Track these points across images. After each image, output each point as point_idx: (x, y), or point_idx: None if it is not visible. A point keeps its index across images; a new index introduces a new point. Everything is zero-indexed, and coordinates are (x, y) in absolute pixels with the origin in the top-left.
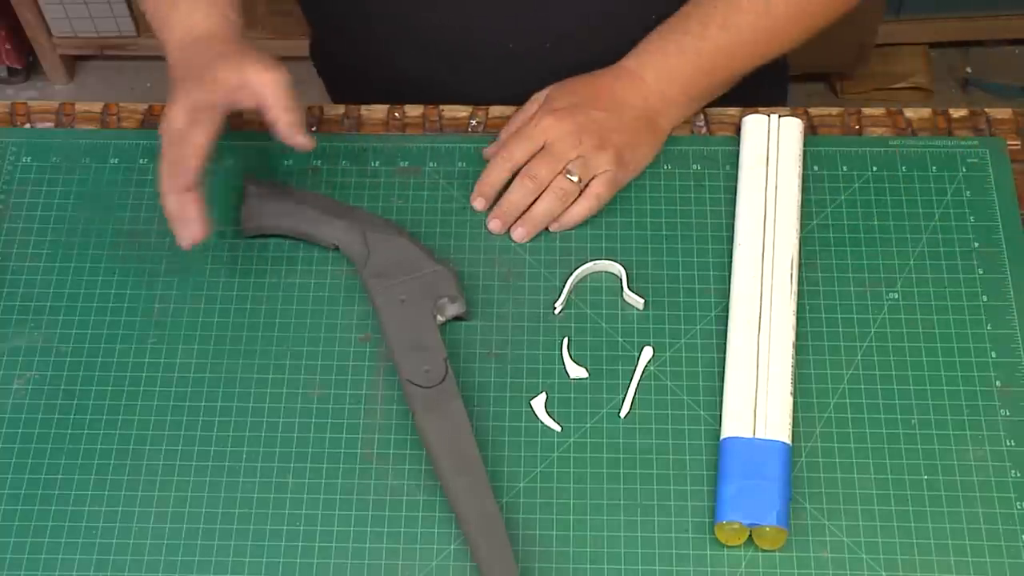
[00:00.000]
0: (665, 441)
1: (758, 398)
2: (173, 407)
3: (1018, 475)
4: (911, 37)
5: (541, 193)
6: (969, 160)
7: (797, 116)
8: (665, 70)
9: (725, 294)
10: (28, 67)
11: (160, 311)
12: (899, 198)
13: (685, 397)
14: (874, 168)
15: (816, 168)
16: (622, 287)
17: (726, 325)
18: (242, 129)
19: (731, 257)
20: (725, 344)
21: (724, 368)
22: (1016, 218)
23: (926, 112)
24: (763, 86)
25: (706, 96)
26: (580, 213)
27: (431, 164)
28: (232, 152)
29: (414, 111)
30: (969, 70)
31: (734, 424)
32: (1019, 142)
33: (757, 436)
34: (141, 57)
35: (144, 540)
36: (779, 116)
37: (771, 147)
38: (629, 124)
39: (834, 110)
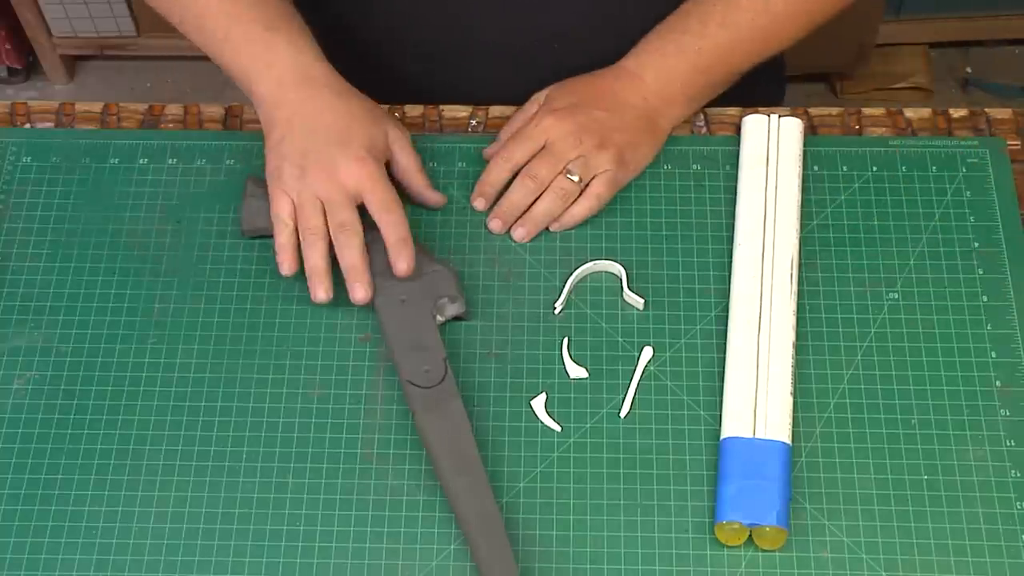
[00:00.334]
0: (665, 441)
1: (758, 398)
2: (173, 407)
3: (1018, 475)
4: (911, 37)
5: (542, 193)
6: (969, 160)
7: (797, 116)
8: (664, 69)
9: (725, 294)
10: (28, 67)
11: (160, 311)
12: (899, 198)
13: (685, 397)
14: (874, 168)
15: (816, 168)
16: (622, 287)
17: (726, 325)
18: (242, 129)
19: (731, 257)
20: (725, 344)
21: (724, 368)
22: (1016, 218)
23: (926, 112)
24: (760, 85)
25: (706, 95)
26: (580, 213)
27: (431, 164)
28: (232, 152)
29: (414, 111)
30: (969, 70)
31: (734, 424)
32: (1019, 142)
33: (757, 436)
34: (141, 57)
35: (144, 540)
36: (779, 116)
37: (771, 147)
38: (629, 124)
39: (834, 110)
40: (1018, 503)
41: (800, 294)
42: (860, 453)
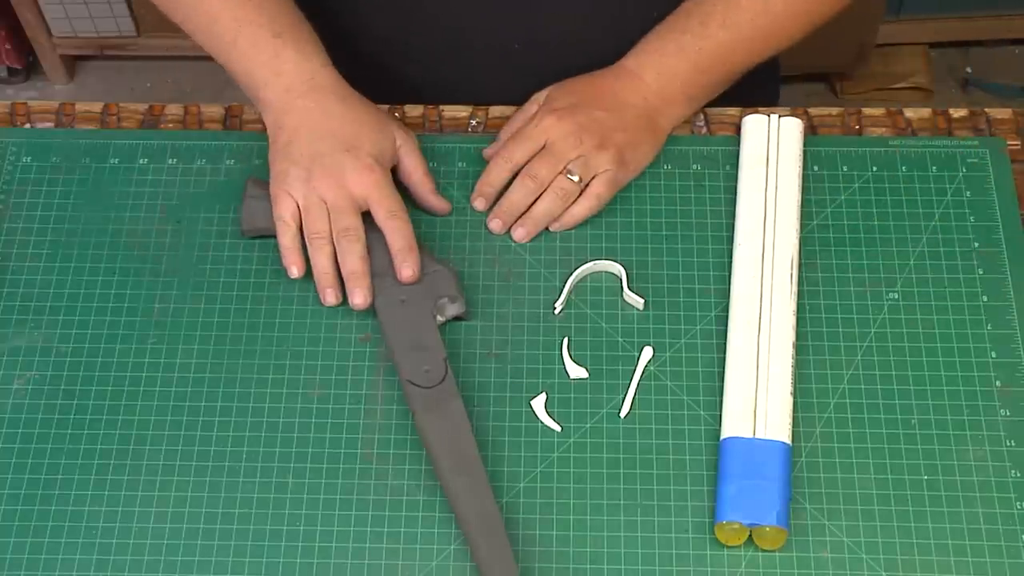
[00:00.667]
0: (665, 441)
1: (758, 398)
2: (173, 407)
3: (1018, 475)
4: (911, 37)
5: (542, 193)
6: (969, 160)
7: (797, 116)
8: (665, 69)
9: (725, 294)
10: (28, 67)
11: (160, 311)
12: (899, 198)
13: (685, 397)
14: (874, 168)
15: (816, 168)
16: (622, 287)
17: (726, 325)
18: (242, 129)
19: (731, 257)
20: (725, 344)
21: (724, 368)
22: (1016, 218)
23: (926, 112)
24: (756, 85)
25: (706, 95)
26: (581, 213)
27: (431, 164)
28: (232, 152)
29: (414, 111)
30: (969, 70)
31: (734, 424)
32: (1019, 142)
33: (757, 436)
34: (141, 57)
35: (144, 540)
36: (779, 116)
37: (771, 147)
38: (630, 123)
39: (834, 110)
40: (1018, 503)
41: (800, 294)
42: (860, 453)
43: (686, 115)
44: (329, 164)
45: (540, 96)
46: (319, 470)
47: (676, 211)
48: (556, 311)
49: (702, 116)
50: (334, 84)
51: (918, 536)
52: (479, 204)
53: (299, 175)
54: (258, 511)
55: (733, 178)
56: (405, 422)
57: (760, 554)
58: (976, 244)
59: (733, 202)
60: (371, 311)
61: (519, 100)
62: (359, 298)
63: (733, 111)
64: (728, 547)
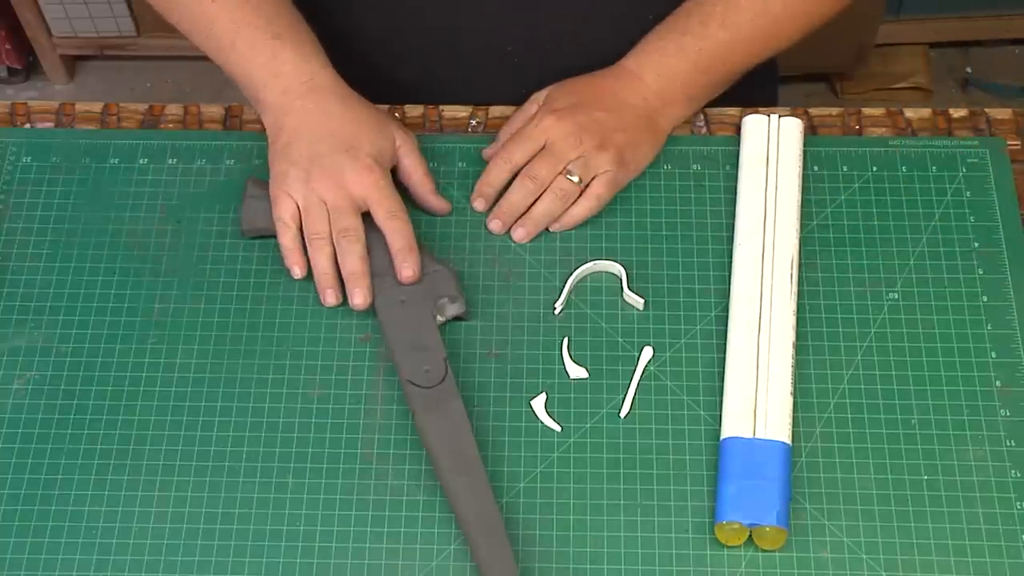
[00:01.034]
0: (665, 441)
1: (758, 398)
2: (173, 407)
3: (1018, 475)
4: (911, 37)
5: (541, 194)
6: (969, 160)
7: (797, 116)
8: (665, 70)
9: (725, 294)
10: (28, 67)
11: (160, 311)
12: (899, 198)
13: (685, 397)
14: (874, 168)
15: (816, 168)
16: (622, 287)
17: (726, 325)
18: (242, 129)
19: (731, 257)
20: (725, 344)
21: (724, 368)
22: (1016, 218)
23: (926, 112)
24: (755, 86)
25: (706, 95)
26: (580, 213)
27: (431, 164)
28: (232, 152)
29: (414, 111)
30: (969, 70)
31: (734, 424)
32: (1019, 142)
33: (757, 436)
34: (141, 57)
35: (144, 540)
36: (779, 116)
37: (771, 147)
38: (630, 124)
39: (834, 110)
40: (1018, 503)
41: (800, 294)
42: (860, 453)
43: (686, 115)
44: (328, 165)
45: (540, 96)
46: (319, 470)
47: (676, 211)
48: (556, 311)
49: (702, 116)
50: (333, 85)
51: (918, 536)
52: (479, 205)
53: (298, 176)
54: (258, 511)
55: (733, 178)
56: (405, 422)
57: (760, 554)
58: (976, 244)
59: (733, 202)
60: (371, 311)
61: (517, 101)
62: (359, 298)
63: (733, 111)
64: (728, 547)
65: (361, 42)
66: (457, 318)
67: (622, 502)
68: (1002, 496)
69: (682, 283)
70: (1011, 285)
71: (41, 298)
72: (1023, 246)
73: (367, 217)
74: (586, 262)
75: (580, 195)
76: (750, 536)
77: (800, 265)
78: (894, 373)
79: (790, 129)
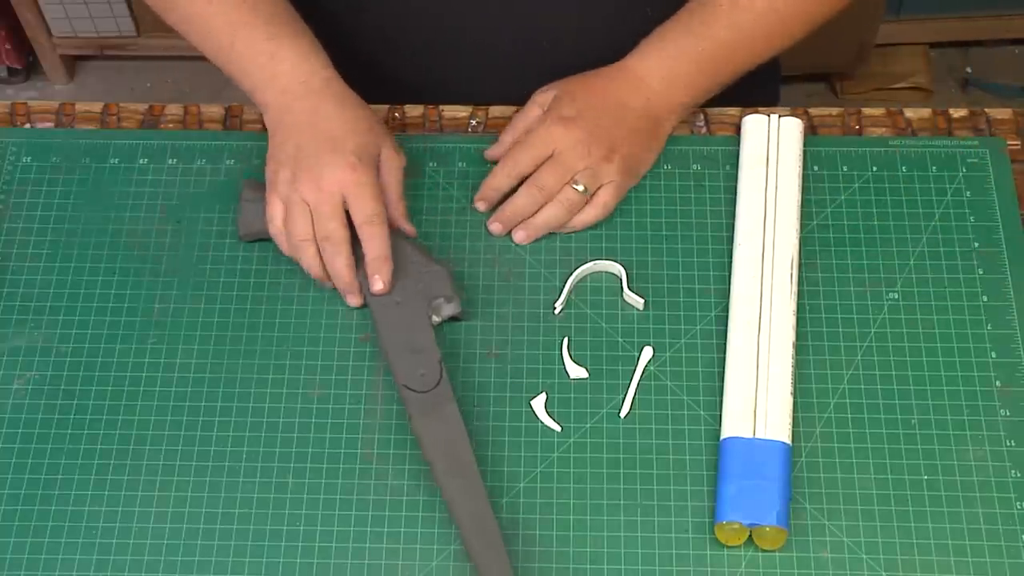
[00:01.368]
0: (665, 441)
1: (758, 398)
2: (173, 407)
3: (1018, 475)
4: (911, 37)
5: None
6: (969, 160)
7: (797, 116)
8: (668, 72)
9: (725, 294)
10: (28, 67)
11: (160, 311)
12: (899, 198)
13: (685, 397)
14: (874, 168)
15: (816, 168)
16: (622, 287)
17: (726, 325)
18: (242, 129)
19: (731, 257)
20: (725, 344)
21: (724, 368)
22: (1016, 218)
23: (926, 112)
24: (757, 86)
25: (705, 95)
26: (586, 221)
27: (431, 164)
28: (232, 152)
29: (414, 111)
30: (969, 70)
31: (734, 424)
32: (1019, 142)
33: (757, 436)
34: (141, 57)
35: (144, 540)
36: (779, 116)
37: (771, 147)
38: (634, 130)
39: (834, 110)
40: (1018, 503)
41: (800, 294)
42: (860, 453)
43: (684, 116)
44: (312, 164)
45: (542, 98)
46: (319, 470)
47: (676, 211)
48: (556, 311)
49: (702, 116)
50: (331, 85)
51: (918, 536)
52: (481, 207)
53: (286, 177)
54: (258, 511)
55: (733, 178)
56: (405, 422)
57: (760, 554)
58: (976, 244)
59: (733, 202)
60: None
61: (519, 100)
62: (353, 300)
63: (733, 111)
64: (728, 547)
65: (362, 41)
66: (454, 318)
67: (622, 502)
68: (1002, 496)
69: (682, 283)
70: (1011, 285)
71: (41, 298)
72: (1023, 246)
73: None
74: (586, 262)
75: (586, 203)
76: (750, 536)
77: (800, 265)
78: (894, 373)
79: (790, 129)
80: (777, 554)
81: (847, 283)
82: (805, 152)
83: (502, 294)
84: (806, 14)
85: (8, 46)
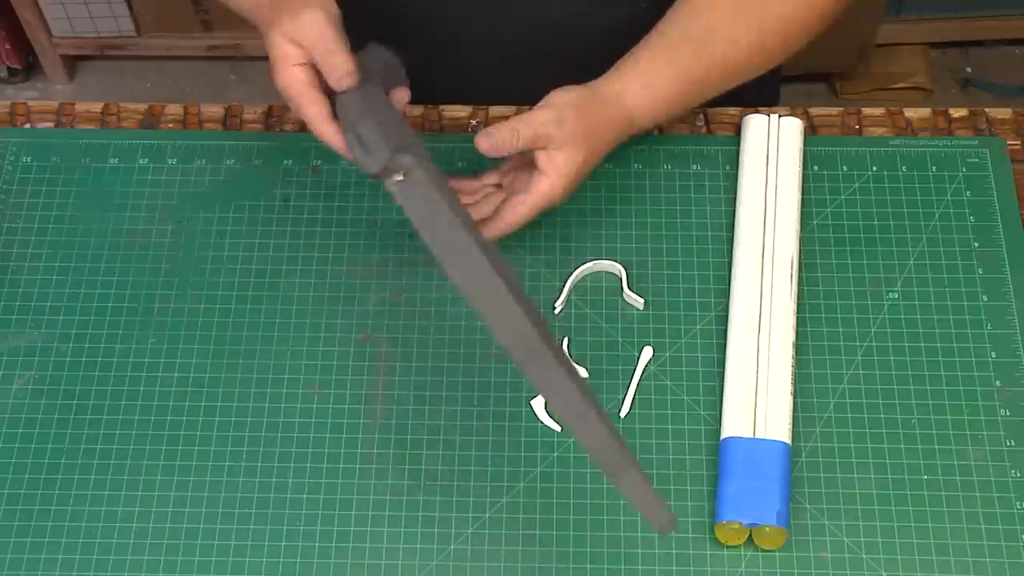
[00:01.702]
0: (665, 441)
1: (758, 398)
2: (173, 407)
3: (1018, 475)
4: (911, 37)
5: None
6: (969, 160)
7: (797, 116)
8: (656, 112)
9: (725, 294)
10: (28, 67)
11: (160, 311)
12: (899, 198)
13: (685, 397)
14: (874, 168)
15: (816, 168)
16: (622, 287)
17: (726, 325)
18: (242, 129)
19: (731, 257)
20: (725, 344)
21: (724, 368)
22: (1016, 218)
23: (926, 112)
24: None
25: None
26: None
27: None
28: (232, 152)
29: (414, 111)
30: (969, 70)
31: (734, 424)
32: (1019, 142)
33: (757, 436)
34: (141, 57)
35: (144, 540)
36: (779, 116)
37: (771, 147)
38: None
39: (834, 110)
40: (1018, 503)
41: (800, 294)
42: (860, 453)
43: None
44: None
45: (548, 122)
46: (319, 470)
47: (676, 211)
48: (556, 311)
49: (702, 116)
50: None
51: (918, 536)
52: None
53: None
54: (258, 511)
55: (733, 178)
56: (405, 422)
57: (760, 554)
58: (976, 244)
59: (733, 202)
60: (370, 311)
61: (519, 100)
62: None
63: (733, 111)
64: (728, 547)
65: (362, 41)
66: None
67: (622, 502)
68: (1002, 496)
69: (682, 283)
70: (1011, 285)
71: (41, 298)
72: (1023, 246)
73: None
74: (586, 262)
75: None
76: (750, 536)
77: (800, 265)
78: (894, 373)
79: (790, 129)
80: (777, 554)
81: (847, 283)
82: (805, 152)
83: None
84: (797, 33)
85: (8, 46)
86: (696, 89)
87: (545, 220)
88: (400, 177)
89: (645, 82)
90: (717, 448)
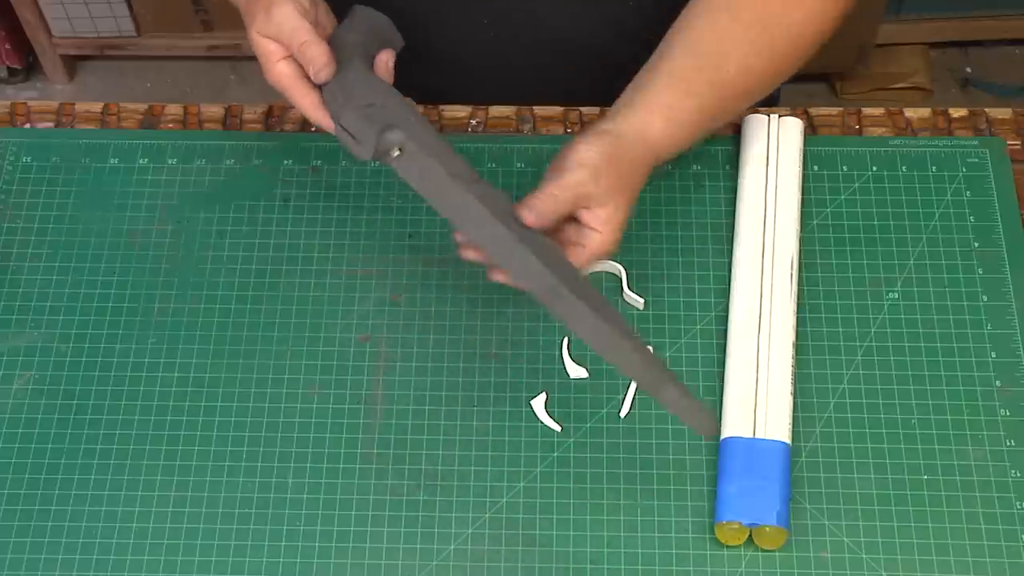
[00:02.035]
0: (665, 441)
1: (758, 398)
2: (173, 407)
3: (1018, 475)
4: (911, 37)
5: None
6: (969, 160)
7: (797, 116)
8: (676, 143)
9: (725, 294)
10: (28, 67)
11: (160, 311)
12: (899, 198)
13: None
14: (874, 168)
15: (816, 168)
16: (622, 287)
17: (726, 325)
18: (242, 129)
19: (731, 257)
20: (725, 344)
21: (724, 368)
22: (1016, 218)
23: (926, 112)
24: None
25: None
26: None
27: None
28: (232, 152)
29: None
30: (969, 70)
31: (734, 424)
32: (1019, 142)
33: (757, 436)
34: (141, 57)
35: (144, 540)
36: (779, 116)
37: (771, 147)
38: None
39: (834, 110)
40: (1018, 503)
41: (800, 294)
42: (860, 453)
43: None
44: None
45: (588, 184)
46: (319, 470)
47: (676, 211)
48: None
49: None
50: None
51: (918, 536)
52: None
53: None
54: (258, 511)
55: (733, 178)
56: (405, 422)
57: (760, 554)
58: (976, 244)
59: (733, 202)
60: (370, 312)
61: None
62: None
63: None
64: (728, 547)
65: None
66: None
67: (622, 502)
68: (1002, 496)
69: (682, 283)
70: (1011, 285)
71: (41, 298)
72: (1023, 246)
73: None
74: None
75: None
76: (750, 536)
77: (800, 265)
78: (894, 373)
79: (790, 129)
80: (777, 554)
81: (847, 283)
82: (805, 152)
83: (502, 294)
84: (804, 48)
85: (8, 46)
86: (717, 116)
87: None
88: (397, 153)
89: (667, 116)
90: (717, 448)
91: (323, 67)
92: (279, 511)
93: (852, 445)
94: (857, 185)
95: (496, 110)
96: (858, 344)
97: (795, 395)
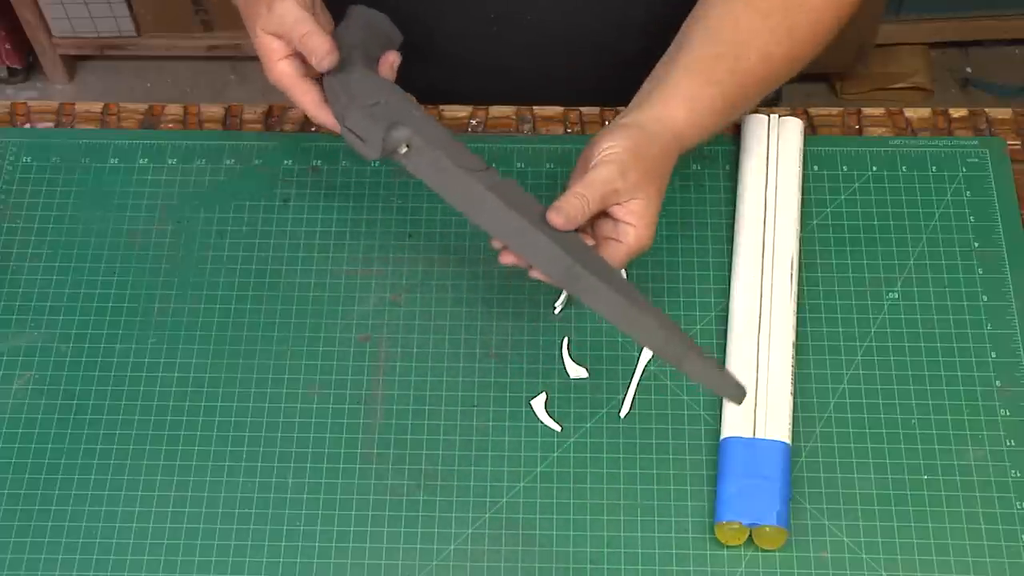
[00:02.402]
0: (665, 441)
1: (758, 398)
2: (173, 407)
3: (1018, 475)
4: (911, 37)
5: None
6: (969, 160)
7: (797, 116)
8: (700, 134)
9: (725, 294)
10: (28, 67)
11: (160, 311)
12: (899, 198)
13: (685, 397)
14: (874, 168)
15: (816, 168)
16: None
17: (726, 325)
18: (242, 129)
19: (731, 257)
20: (725, 344)
21: (724, 368)
22: (1016, 218)
23: (926, 112)
24: None
25: None
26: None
27: None
28: (232, 152)
29: None
30: (969, 70)
31: (734, 424)
32: (1019, 142)
33: (757, 436)
34: (141, 57)
35: (144, 540)
36: (779, 116)
37: (771, 147)
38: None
39: (834, 110)
40: (1018, 503)
41: (800, 294)
42: (860, 453)
43: None
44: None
45: (616, 181)
46: (319, 470)
47: (676, 211)
48: (556, 311)
49: None
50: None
51: (918, 536)
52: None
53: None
54: (258, 511)
55: (733, 178)
56: (405, 422)
57: (760, 554)
58: (976, 244)
59: (733, 202)
60: (370, 312)
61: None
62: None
63: None
64: (728, 547)
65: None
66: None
67: (622, 502)
68: (1002, 496)
69: (682, 283)
70: (1011, 285)
71: (41, 298)
72: (1023, 246)
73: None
74: None
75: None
76: (750, 536)
77: (800, 265)
78: (894, 373)
79: (790, 129)
80: (777, 554)
81: (847, 283)
82: (805, 152)
83: (502, 294)
84: (823, 34)
85: (8, 46)
86: (738, 104)
87: None
88: (404, 149)
89: (689, 106)
90: (717, 448)
91: (326, 55)
92: (279, 511)
93: (852, 445)
94: (857, 185)
95: (496, 110)
96: (858, 344)
97: (795, 395)
